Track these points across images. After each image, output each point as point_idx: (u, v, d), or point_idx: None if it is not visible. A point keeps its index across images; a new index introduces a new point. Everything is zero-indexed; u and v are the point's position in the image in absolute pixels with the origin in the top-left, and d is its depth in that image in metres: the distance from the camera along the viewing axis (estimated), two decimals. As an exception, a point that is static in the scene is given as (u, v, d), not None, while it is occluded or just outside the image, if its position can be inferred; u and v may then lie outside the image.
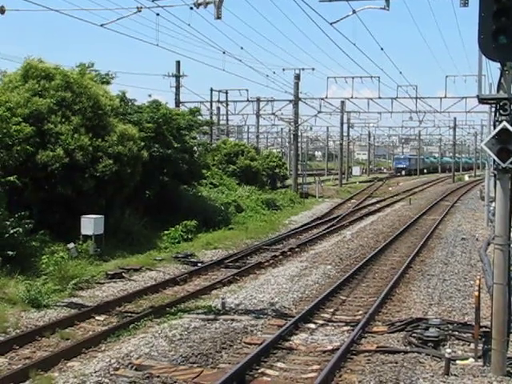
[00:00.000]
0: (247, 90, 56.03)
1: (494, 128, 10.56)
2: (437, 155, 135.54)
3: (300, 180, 53.53)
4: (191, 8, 17.30)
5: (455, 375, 10.62)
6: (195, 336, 13.10)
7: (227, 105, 60.81)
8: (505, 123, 10.30)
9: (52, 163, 20.58)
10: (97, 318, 14.81)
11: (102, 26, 19.71)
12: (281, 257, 23.62)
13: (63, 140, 21.03)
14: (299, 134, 60.62)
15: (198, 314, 15.05)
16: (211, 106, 58.93)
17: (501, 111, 10.45)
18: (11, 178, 19.04)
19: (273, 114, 60.68)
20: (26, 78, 22.03)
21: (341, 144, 78.60)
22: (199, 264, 21.76)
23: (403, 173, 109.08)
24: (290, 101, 53.11)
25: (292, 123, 54.11)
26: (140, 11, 18.86)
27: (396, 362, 11.33)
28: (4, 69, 23.45)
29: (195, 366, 11.31)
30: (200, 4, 16.88)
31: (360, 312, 15.29)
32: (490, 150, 10.58)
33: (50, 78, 22.00)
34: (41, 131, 21.00)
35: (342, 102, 67.38)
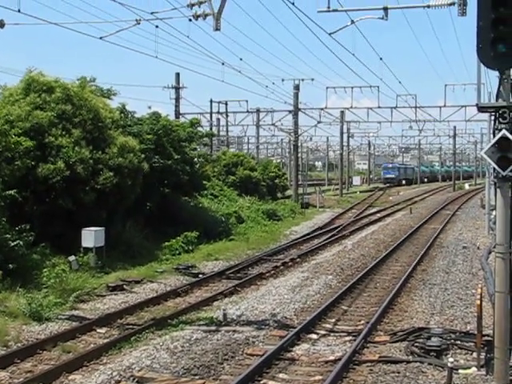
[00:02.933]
0: (247, 101, 56.40)
1: (494, 136, 10.55)
2: (437, 164, 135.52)
3: (300, 190, 53.55)
4: (190, 20, 17.35)
5: (458, 384, 10.59)
6: (197, 348, 13.07)
7: (227, 116, 60.99)
8: (504, 131, 10.30)
9: (53, 176, 20.57)
10: (98, 330, 14.78)
11: (101, 38, 19.80)
12: (282, 267, 23.59)
13: (64, 153, 21.04)
14: (299, 144, 60.65)
15: (199, 325, 15.02)
16: (211, 117, 59.14)
17: (500, 119, 10.45)
18: (12, 192, 19.04)
19: (273, 124, 60.90)
20: (27, 91, 22.08)
21: (341, 154, 78.70)
22: (200, 275, 21.73)
23: (394, 183, 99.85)
24: (290, 111, 53.26)
25: (292, 133, 54.23)
26: (139, 23, 18.95)
27: (398, 372, 11.29)
28: (3, 82, 23.42)
29: (197, 377, 11.27)
30: (199, 16, 16.92)
31: (362, 322, 15.25)
32: (489, 159, 10.57)
33: (50, 91, 22.06)
34: (41, 144, 21.03)
35: (342, 112, 67.51)
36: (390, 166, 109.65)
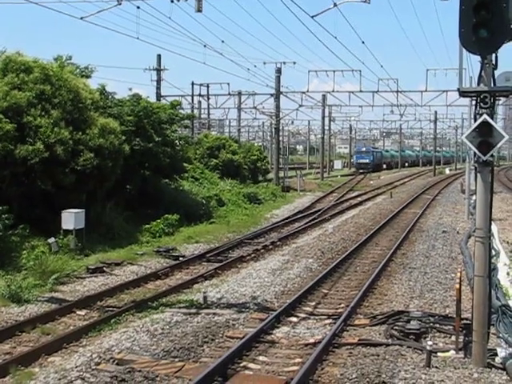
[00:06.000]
0: (228, 84, 56.09)
1: (475, 121, 10.59)
2: (418, 148, 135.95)
3: (282, 174, 53.55)
4: (172, 1, 17.25)
5: (436, 367, 10.67)
6: (177, 330, 13.06)
7: (208, 98, 60.78)
8: (485, 116, 10.34)
9: (31, 157, 20.32)
10: (78, 312, 14.72)
11: (81, 18, 19.68)
12: (262, 250, 23.61)
13: (43, 134, 20.78)
14: (281, 127, 60.63)
15: (179, 308, 15.00)
16: (192, 99, 58.96)
17: (481, 104, 10.48)
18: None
19: (254, 107, 60.78)
20: (5, 71, 21.77)
21: (322, 138, 78.73)
22: (181, 258, 21.71)
23: (367, 170, 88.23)
24: (272, 94, 53.16)
25: (273, 117, 54.18)
26: (120, 4, 18.85)
27: (378, 355, 11.35)
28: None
29: (177, 360, 11.27)
30: (181, -3, 16.79)
31: (342, 305, 15.31)
32: (470, 143, 10.62)
33: (28, 71, 21.76)
34: (20, 125, 20.74)
35: (324, 96, 67.54)
36: (363, 149, 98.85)
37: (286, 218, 33.88)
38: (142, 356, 11.39)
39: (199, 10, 23.97)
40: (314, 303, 15.68)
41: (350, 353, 11.66)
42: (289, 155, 79.88)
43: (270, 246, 24.45)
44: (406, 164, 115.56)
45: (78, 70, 25.84)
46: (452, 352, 11.45)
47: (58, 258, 18.71)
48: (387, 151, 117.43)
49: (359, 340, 12.32)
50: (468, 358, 10.97)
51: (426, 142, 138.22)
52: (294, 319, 14.21)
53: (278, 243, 25.22)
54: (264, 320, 13.56)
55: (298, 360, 11.37)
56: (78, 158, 21.68)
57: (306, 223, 31.57)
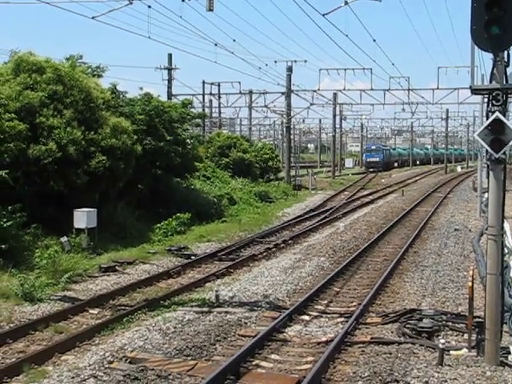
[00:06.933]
0: (239, 83, 56.08)
1: (487, 119, 10.55)
2: (429, 147, 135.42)
3: (293, 172, 53.49)
4: (183, 0, 17.26)
5: (449, 365, 10.65)
6: (189, 329, 13.09)
7: (219, 97, 60.82)
8: (497, 114, 10.30)
9: (44, 157, 20.38)
10: (90, 311, 14.78)
11: (93, 18, 19.75)
12: (274, 249, 23.62)
13: (56, 134, 20.88)
14: (292, 126, 60.58)
15: (191, 306, 15.03)
16: (203, 98, 59.08)
17: (493, 102, 10.44)
18: (2, 173, 18.91)
19: (265, 106, 60.72)
20: (17, 71, 21.86)
21: (333, 136, 78.59)
22: (193, 257, 21.74)
23: (378, 169, 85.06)
24: (283, 93, 53.11)
25: (284, 115, 54.13)
26: (131, 3, 18.89)
27: (390, 353, 11.34)
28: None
29: (189, 358, 11.29)
30: (192, -4, 16.82)
31: (354, 303, 15.30)
32: (482, 141, 10.58)
33: (41, 72, 21.84)
34: (32, 125, 20.83)
35: (335, 94, 67.40)
36: (373, 147, 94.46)
37: (298, 217, 33.87)
38: (155, 355, 11.42)
39: (210, 9, 24.01)
40: (325, 301, 15.68)
41: (363, 351, 11.65)
42: (300, 154, 79.86)
43: (282, 245, 24.45)
44: (418, 162, 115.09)
45: (89, 70, 25.94)
46: (465, 350, 11.42)
47: (71, 257, 18.79)
48: (399, 149, 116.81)
49: (371, 338, 12.31)
50: (481, 356, 10.94)
51: (437, 139, 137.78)
52: (306, 317, 14.21)
53: (290, 242, 25.21)
54: (276, 318, 13.57)
55: (310, 358, 11.38)
56: (90, 161, 21.73)
57: (317, 222, 31.55)
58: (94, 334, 12.87)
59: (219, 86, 59.10)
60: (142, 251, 21.82)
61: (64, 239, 19.75)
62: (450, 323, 13.12)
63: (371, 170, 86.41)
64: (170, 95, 48.02)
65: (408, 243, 23.44)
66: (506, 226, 22.02)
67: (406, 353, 11.37)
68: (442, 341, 11.11)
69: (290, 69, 51.39)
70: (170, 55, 48.42)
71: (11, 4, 18.66)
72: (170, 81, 48.54)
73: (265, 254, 22.63)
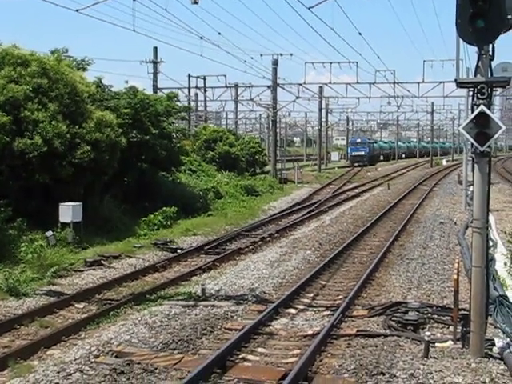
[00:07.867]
0: (225, 76, 56.13)
1: (472, 112, 10.57)
2: (415, 140, 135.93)
3: (279, 166, 53.50)
4: (168, -7, 17.16)
5: (434, 358, 10.70)
6: (175, 322, 13.08)
7: (205, 91, 60.74)
8: (482, 107, 10.32)
9: (29, 151, 20.28)
10: (76, 305, 14.74)
11: (77, 11, 19.59)
12: (260, 242, 23.64)
13: (41, 127, 20.74)
14: (278, 119, 60.60)
15: (178, 300, 15.02)
16: (189, 92, 59.03)
17: (478, 95, 10.46)
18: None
19: (251, 99, 60.72)
20: (1, 64, 21.68)
21: (319, 129, 78.68)
22: (179, 251, 21.71)
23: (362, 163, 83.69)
24: (268, 86, 53.08)
25: (270, 109, 54.12)
26: (116, -4, 18.68)
27: (376, 346, 11.38)
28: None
29: (176, 352, 11.29)
30: (177, -11, 16.74)
31: (340, 297, 15.34)
32: (467, 134, 10.61)
33: (25, 65, 21.67)
34: (17, 119, 20.71)
35: (321, 88, 67.51)
36: (359, 140, 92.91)
37: (284, 210, 33.92)
38: (141, 348, 11.41)
39: (195, 2, 23.92)
40: (312, 295, 15.71)
41: (349, 344, 11.67)
42: (286, 147, 79.85)
43: (268, 238, 24.47)
44: (403, 155, 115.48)
45: (74, 63, 25.77)
46: (450, 342, 11.48)
47: (56, 251, 18.71)
48: (384, 142, 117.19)
49: (357, 331, 12.34)
50: (466, 348, 11.00)
51: (423, 133, 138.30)
52: (293, 311, 14.23)
53: (276, 235, 25.23)
54: (262, 312, 13.57)
55: (296, 351, 11.40)
56: (75, 151, 21.62)
57: (303, 215, 31.60)
58: (79, 328, 12.82)
59: (205, 79, 59.06)
60: (128, 245, 21.75)
61: (49, 233, 19.66)
62: (436, 316, 13.18)
63: (356, 164, 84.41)
64: (155, 89, 47.87)
65: (394, 236, 23.51)
66: (491, 218, 22.17)
67: (391, 345, 11.41)
68: (428, 333, 11.16)
69: (275, 62, 51.35)
70: (155, 48, 48.31)
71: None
72: (155, 74, 48.42)
73: (251, 247, 22.64)
